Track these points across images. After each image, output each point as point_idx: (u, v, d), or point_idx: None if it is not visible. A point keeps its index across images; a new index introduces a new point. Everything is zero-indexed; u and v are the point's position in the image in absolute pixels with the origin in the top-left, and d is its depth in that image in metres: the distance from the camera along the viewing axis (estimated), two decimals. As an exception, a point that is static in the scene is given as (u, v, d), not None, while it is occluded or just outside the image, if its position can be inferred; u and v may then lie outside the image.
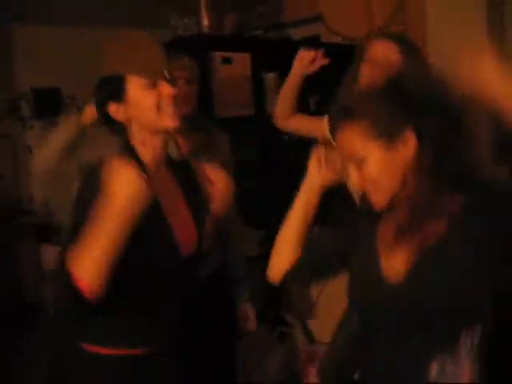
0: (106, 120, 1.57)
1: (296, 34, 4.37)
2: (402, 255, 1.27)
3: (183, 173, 1.70)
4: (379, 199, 1.27)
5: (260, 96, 3.09)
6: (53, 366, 1.73)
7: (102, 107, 1.56)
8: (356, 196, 1.41)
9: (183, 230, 1.60)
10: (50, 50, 4.59)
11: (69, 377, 1.62)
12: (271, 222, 3.06)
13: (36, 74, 4.59)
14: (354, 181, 1.31)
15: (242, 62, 2.97)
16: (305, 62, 2.20)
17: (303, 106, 3.27)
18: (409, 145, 1.22)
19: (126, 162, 1.36)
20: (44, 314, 4.36)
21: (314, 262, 1.51)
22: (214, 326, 2.30)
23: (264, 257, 3.21)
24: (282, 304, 3.06)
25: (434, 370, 1.23)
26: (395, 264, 1.27)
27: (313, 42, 3.56)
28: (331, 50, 3.46)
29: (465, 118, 1.24)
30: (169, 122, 1.53)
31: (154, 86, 1.52)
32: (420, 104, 1.22)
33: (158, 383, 1.65)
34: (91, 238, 1.34)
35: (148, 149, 1.58)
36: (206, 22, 3.01)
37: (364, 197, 1.33)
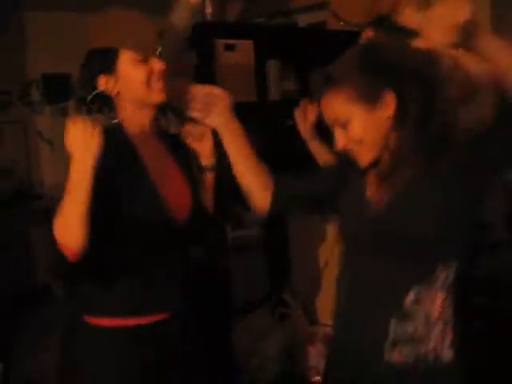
0: (93, 92, 1.60)
1: (302, 20, 4.41)
2: (384, 190, 1.40)
3: (178, 145, 1.75)
4: (365, 157, 1.39)
5: (263, 83, 3.12)
6: (62, 341, 1.76)
7: (91, 79, 1.59)
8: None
9: (176, 194, 1.65)
10: (62, 36, 4.64)
11: (76, 351, 1.65)
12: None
13: (47, 59, 4.65)
14: (340, 144, 1.41)
15: (245, 48, 2.98)
16: (302, 116, 2.29)
17: (304, 87, 3.30)
18: (389, 106, 1.34)
19: (78, 118, 1.42)
20: (55, 295, 4.46)
21: (301, 190, 1.64)
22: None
23: (265, 237, 3.28)
24: (283, 285, 3.12)
25: (409, 298, 1.34)
26: (379, 197, 1.41)
27: (318, 29, 3.58)
28: (337, 36, 3.52)
29: (441, 84, 1.35)
30: (156, 96, 1.58)
31: (145, 61, 1.56)
32: (397, 69, 1.33)
33: (162, 353, 1.65)
34: (63, 203, 1.41)
35: (135, 122, 1.62)
36: (209, 10, 3.04)
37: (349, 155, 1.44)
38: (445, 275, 1.35)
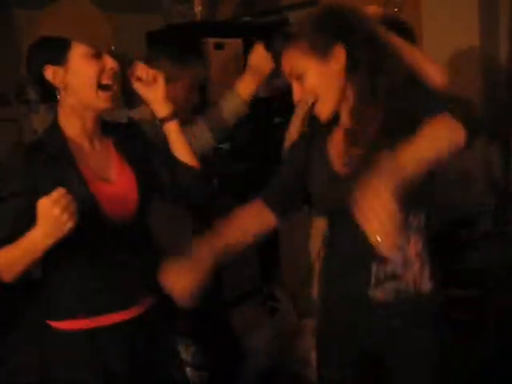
0: (39, 83, 1.54)
1: (293, 17, 4.43)
2: (347, 157, 1.51)
3: (128, 135, 1.69)
4: (323, 109, 1.51)
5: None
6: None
7: (37, 68, 1.51)
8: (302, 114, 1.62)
9: (120, 193, 1.59)
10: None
11: (43, 355, 1.63)
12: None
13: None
14: (297, 96, 1.52)
15: (233, 47, 3.04)
16: None
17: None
18: (339, 58, 1.47)
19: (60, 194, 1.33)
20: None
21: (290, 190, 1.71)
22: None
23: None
24: (273, 279, 3.16)
25: None
26: (344, 162, 1.52)
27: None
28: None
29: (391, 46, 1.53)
30: (103, 103, 1.54)
31: (98, 56, 1.51)
32: (348, 27, 1.47)
33: (128, 357, 1.61)
34: (8, 253, 1.42)
35: (76, 121, 1.56)
36: (199, 9, 3.07)
37: (311, 111, 1.55)
38: (416, 221, 1.49)
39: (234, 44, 3.05)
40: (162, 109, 1.70)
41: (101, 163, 1.61)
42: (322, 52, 1.46)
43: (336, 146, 1.56)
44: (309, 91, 1.49)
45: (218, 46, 2.97)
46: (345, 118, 1.53)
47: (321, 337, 1.71)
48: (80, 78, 1.51)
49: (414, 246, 1.49)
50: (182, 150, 1.72)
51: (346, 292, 1.56)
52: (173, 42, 2.82)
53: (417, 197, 1.46)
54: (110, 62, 1.53)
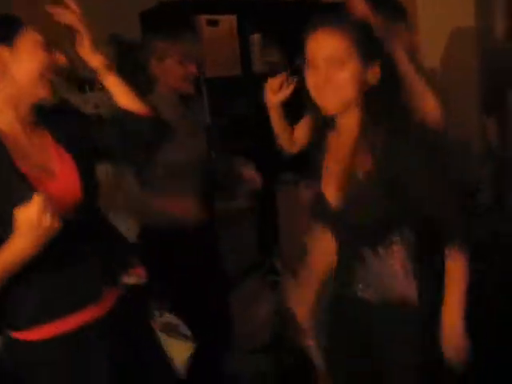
0: None
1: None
2: (337, 186, 1.56)
3: (65, 119, 1.58)
4: (333, 102, 1.49)
5: (247, 56, 3.16)
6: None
7: None
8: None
9: (64, 190, 1.49)
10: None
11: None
12: (262, 178, 3.17)
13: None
14: (315, 83, 1.49)
15: (227, 24, 3.04)
16: (274, 89, 2.05)
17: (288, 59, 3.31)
18: (376, 74, 1.49)
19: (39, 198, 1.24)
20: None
21: None
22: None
23: (254, 210, 3.31)
24: (273, 253, 3.19)
25: (367, 254, 1.57)
26: (334, 193, 1.58)
27: (300, 1, 3.59)
28: (327, 9, 3.52)
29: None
30: (44, 92, 1.45)
31: (49, 48, 1.43)
32: (384, 52, 1.52)
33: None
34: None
35: (10, 108, 1.45)
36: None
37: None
38: (400, 236, 1.54)
39: (228, 20, 3.04)
40: (90, 58, 1.57)
41: (40, 155, 1.49)
42: (366, 58, 1.46)
43: (331, 153, 1.61)
44: (336, 82, 1.45)
45: (212, 23, 2.96)
46: (347, 126, 1.55)
47: (332, 331, 1.80)
48: (24, 66, 1.40)
49: (399, 259, 1.54)
50: (126, 100, 1.61)
51: (343, 292, 1.67)
52: (166, 20, 2.82)
53: (398, 214, 1.52)
54: (60, 58, 1.46)
